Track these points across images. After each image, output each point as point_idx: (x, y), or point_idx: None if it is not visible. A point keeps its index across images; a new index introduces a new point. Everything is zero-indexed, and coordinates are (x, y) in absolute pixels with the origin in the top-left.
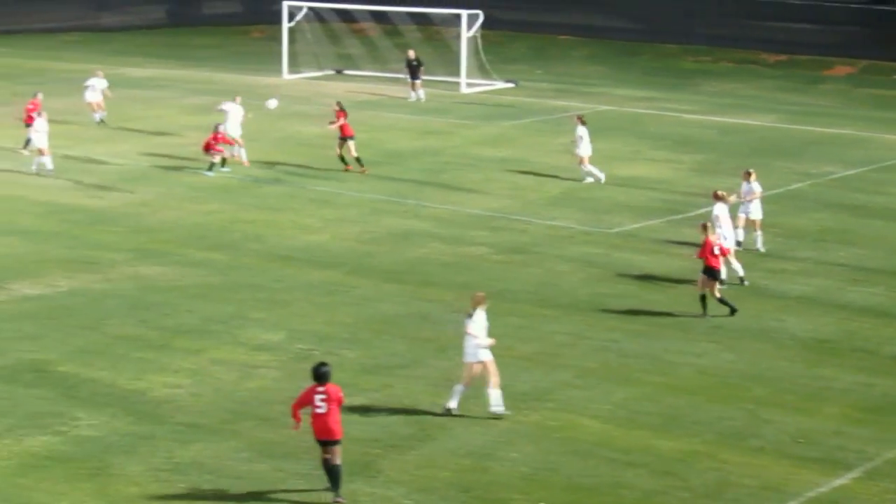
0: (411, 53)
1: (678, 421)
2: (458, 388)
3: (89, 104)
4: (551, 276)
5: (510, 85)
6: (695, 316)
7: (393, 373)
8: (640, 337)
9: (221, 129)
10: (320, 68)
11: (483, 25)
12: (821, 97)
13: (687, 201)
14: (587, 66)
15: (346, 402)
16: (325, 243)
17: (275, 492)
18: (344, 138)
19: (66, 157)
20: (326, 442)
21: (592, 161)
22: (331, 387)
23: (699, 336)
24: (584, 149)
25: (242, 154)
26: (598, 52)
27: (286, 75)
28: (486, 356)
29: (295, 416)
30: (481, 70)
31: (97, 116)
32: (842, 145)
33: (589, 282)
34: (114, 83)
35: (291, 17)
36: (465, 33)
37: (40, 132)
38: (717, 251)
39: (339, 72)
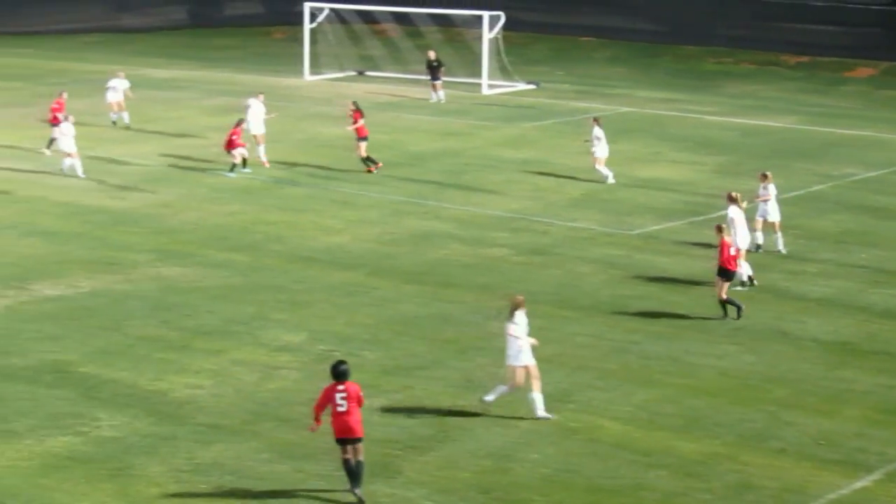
0: (431, 54)
1: (699, 422)
2: (502, 388)
3: (109, 105)
4: (572, 277)
5: (532, 86)
6: (716, 318)
7: (413, 374)
8: (661, 338)
9: (244, 125)
10: (342, 69)
11: (505, 27)
12: (842, 99)
13: (708, 203)
14: (609, 68)
15: (367, 403)
16: (346, 244)
17: (295, 493)
18: (358, 139)
19: (88, 157)
20: (347, 440)
21: (609, 162)
22: (350, 385)
23: (720, 338)
24: (601, 150)
25: (261, 153)
26: (619, 53)
27: (308, 76)
28: (529, 360)
29: (317, 418)
30: (503, 71)
31: (114, 116)
32: (863, 147)
33: (610, 283)
34: (135, 84)
35: (313, 18)
36: (487, 34)
37: (67, 136)
38: (732, 252)
39: (360, 73)
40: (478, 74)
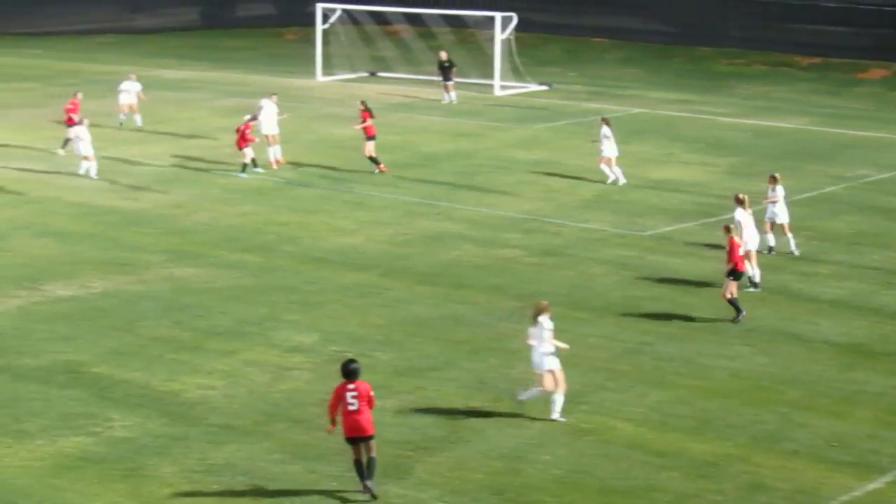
0: (443, 55)
1: (711, 424)
2: (536, 389)
3: (121, 106)
4: (584, 278)
5: (544, 87)
6: (728, 319)
7: (425, 375)
8: (674, 340)
9: (253, 122)
10: (354, 70)
11: (517, 28)
12: (855, 100)
13: (721, 204)
14: (621, 69)
15: (379, 403)
16: (359, 245)
17: (308, 493)
18: (366, 138)
19: (100, 158)
20: (358, 439)
21: (621, 164)
22: (360, 383)
23: (733, 339)
24: (610, 149)
25: (278, 151)
26: (631, 54)
27: (320, 77)
28: (555, 364)
29: (332, 420)
30: (515, 72)
31: (123, 118)
32: (876, 148)
33: (622, 284)
34: (147, 85)
35: (325, 19)
36: (499, 35)
37: (84, 139)
38: (741, 252)
39: (372, 74)
40: (490, 75)
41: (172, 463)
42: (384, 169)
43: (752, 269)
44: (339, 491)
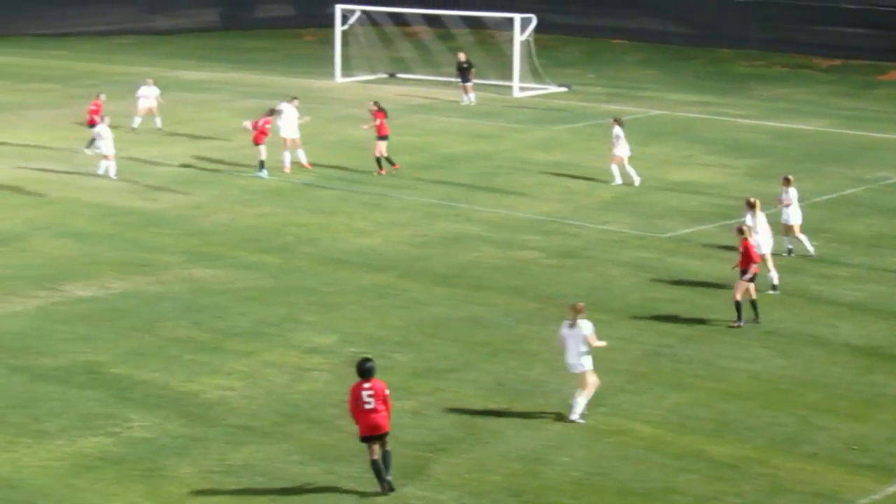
0: (462, 56)
1: (730, 426)
2: (581, 398)
3: (139, 111)
4: (603, 280)
5: (563, 89)
6: (748, 321)
7: (444, 376)
8: (693, 342)
9: (271, 119)
10: (373, 72)
11: (536, 29)
12: (875, 102)
13: (740, 206)
14: (640, 71)
15: (397, 405)
16: (377, 247)
17: (326, 495)
18: (379, 137)
19: (120, 159)
20: (374, 438)
21: (641, 165)
22: (376, 382)
23: (752, 341)
24: (621, 149)
25: (301, 156)
26: (651, 56)
27: (339, 79)
28: (588, 366)
29: (357, 422)
30: (534, 74)
31: (137, 122)
32: None
33: (641, 286)
34: (166, 86)
35: (344, 20)
36: (518, 37)
37: (106, 139)
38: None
39: (391, 75)
40: (509, 77)
41: (191, 463)
42: (398, 166)
43: (769, 272)
44: (358, 492)
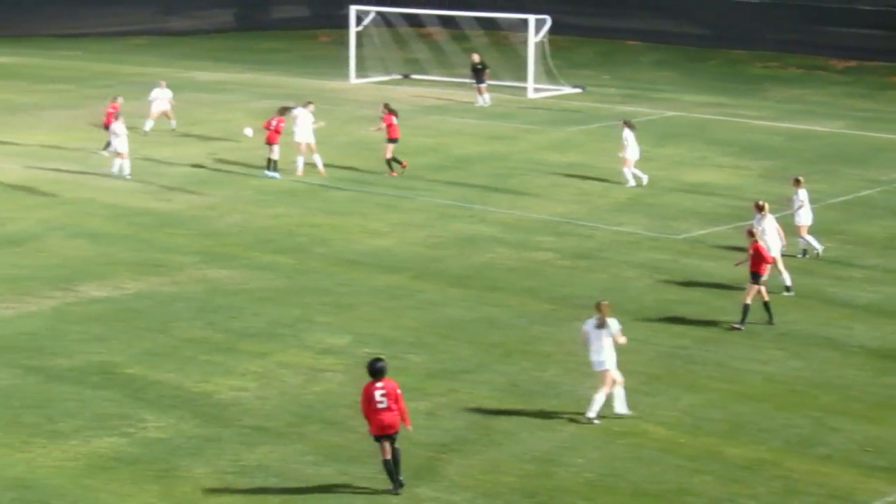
0: (476, 57)
1: (745, 428)
2: (600, 395)
3: (152, 114)
4: (617, 281)
5: (578, 90)
6: (761, 323)
7: (458, 377)
8: (707, 343)
9: (285, 117)
10: (387, 73)
11: (551, 30)
12: (890, 103)
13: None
14: (655, 72)
15: (411, 406)
16: (392, 248)
17: (340, 495)
18: (388, 140)
19: (134, 159)
20: (386, 437)
21: (655, 166)
22: (388, 381)
23: (766, 343)
24: (631, 152)
25: (317, 161)
26: (666, 57)
27: (353, 80)
28: (611, 365)
29: (369, 420)
30: (549, 75)
31: (149, 125)
32: None
33: (655, 288)
34: (181, 87)
35: (359, 21)
36: (533, 38)
37: (120, 136)
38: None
39: (405, 76)
40: (523, 78)
41: (205, 464)
42: (406, 165)
43: (780, 274)
44: (371, 492)
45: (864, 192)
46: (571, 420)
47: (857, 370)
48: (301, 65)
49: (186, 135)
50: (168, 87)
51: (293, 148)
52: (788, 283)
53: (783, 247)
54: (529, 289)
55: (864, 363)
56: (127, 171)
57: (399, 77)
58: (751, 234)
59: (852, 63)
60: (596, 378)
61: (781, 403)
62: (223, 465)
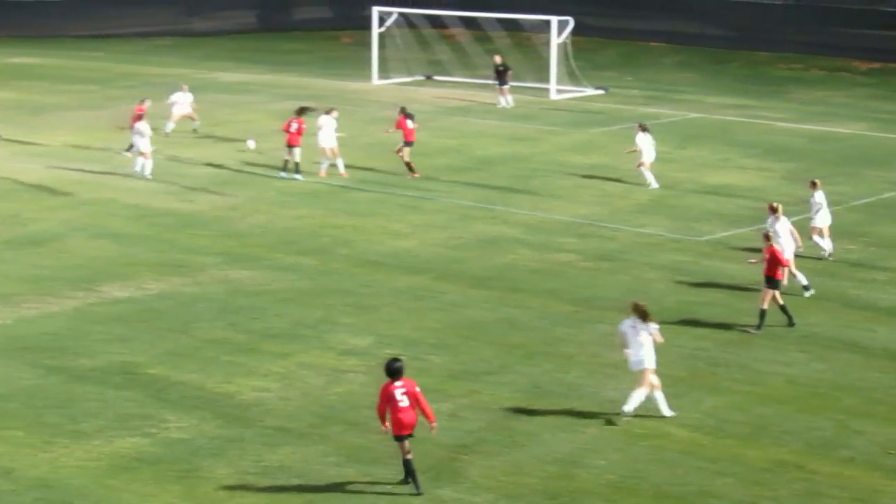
0: (497, 59)
1: (767, 430)
2: (639, 394)
3: (173, 117)
4: (639, 283)
5: (600, 91)
6: (783, 326)
7: (480, 379)
8: (729, 345)
9: (304, 122)
10: (410, 74)
11: (573, 32)
12: None
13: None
14: (678, 74)
15: (433, 407)
16: (414, 249)
17: (363, 496)
18: (404, 143)
19: (156, 160)
20: (406, 437)
21: (678, 168)
22: (407, 381)
23: (789, 345)
24: (647, 154)
25: (339, 164)
26: (688, 59)
27: (376, 81)
28: (650, 364)
29: (384, 419)
30: (571, 76)
31: (169, 127)
32: None
33: (677, 290)
34: (203, 87)
35: (381, 22)
36: (556, 39)
37: (144, 136)
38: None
39: (428, 78)
40: (546, 79)
41: (227, 464)
42: (417, 175)
43: (795, 276)
44: (394, 494)
45: (887, 195)
46: (594, 422)
47: (880, 372)
48: (323, 66)
49: (209, 136)
50: (190, 89)
51: (315, 151)
52: (805, 282)
53: (798, 248)
54: (551, 290)
55: (886, 366)
56: (148, 171)
57: (421, 78)
58: (767, 237)
59: (876, 65)
60: (634, 377)
61: (804, 406)
62: (245, 466)
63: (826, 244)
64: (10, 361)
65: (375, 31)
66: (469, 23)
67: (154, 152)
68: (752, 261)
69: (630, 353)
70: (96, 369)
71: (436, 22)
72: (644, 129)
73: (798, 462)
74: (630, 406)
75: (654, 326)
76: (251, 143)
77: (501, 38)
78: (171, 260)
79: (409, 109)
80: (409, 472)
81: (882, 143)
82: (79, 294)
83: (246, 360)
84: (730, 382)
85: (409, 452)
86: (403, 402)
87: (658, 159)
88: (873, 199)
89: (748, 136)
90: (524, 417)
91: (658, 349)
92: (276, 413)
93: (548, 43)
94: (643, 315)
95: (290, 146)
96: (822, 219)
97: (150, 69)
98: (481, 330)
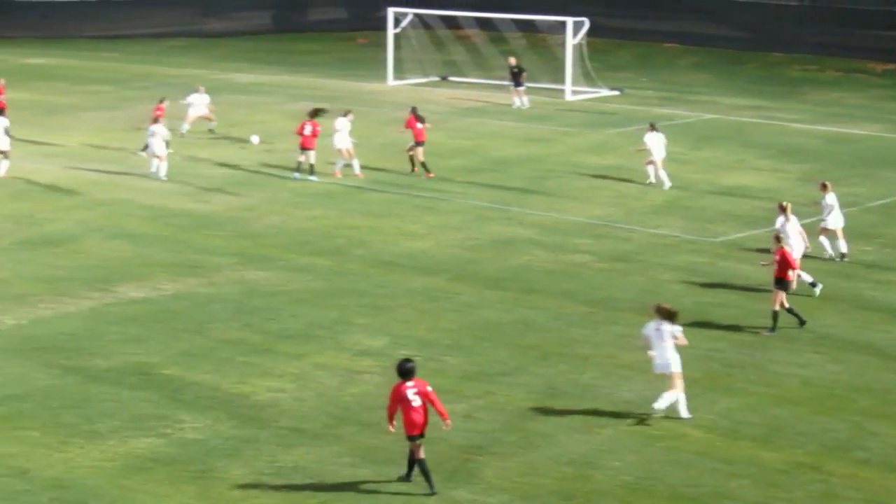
0: (512, 60)
1: (782, 432)
2: (672, 394)
3: (188, 118)
4: (654, 284)
5: (616, 92)
6: (797, 327)
7: (495, 380)
8: (745, 347)
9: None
10: (425, 75)
11: (588, 33)
12: None
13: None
14: (692, 74)
15: (448, 408)
16: (429, 250)
17: (377, 497)
18: (415, 143)
19: (172, 161)
20: (417, 437)
21: (692, 169)
22: (418, 381)
23: (804, 347)
24: (657, 154)
25: (355, 165)
26: (703, 60)
27: (391, 82)
28: (676, 368)
29: (391, 420)
30: (586, 77)
31: (185, 128)
32: None
33: (692, 291)
34: (219, 89)
35: (397, 23)
36: (571, 40)
37: (158, 137)
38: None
39: (443, 78)
40: (561, 80)
41: (242, 465)
42: (416, 170)
43: (802, 275)
44: (408, 494)
45: None
46: (609, 423)
47: None
48: (338, 67)
49: (224, 136)
50: (206, 90)
51: (330, 152)
52: (810, 279)
53: (806, 248)
54: (566, 291)
55: None
56: (163, 173)
57: (437, 79)
58: (777, 239)
59: (891, 66)
60: (649, 378)
61: (819, 407)
62: (260, 467)
63: (841, 245)
64: (25, 362)
65: (391, 31)
66: (484, 24)
67: (170, 155)
68: (764, 263)
69: (655, 355)
70: (112, 370)
71: (451, 23)
72: (653, 127)
73: (813, 463)
74: (662, 405)
75: (678, 329)
76: (254, 139)
77: (517, 38)
78: (186, 260)
79: (421, 110)
80: (423, 472)
81: None
82: (94, 294)
83: (261, 361)
84: (745, 384)
85: (421, 452)
86: (415, 402)
87: (673, 160)
88: (889, 200)
89: (763, 138)
90: (539, 418)
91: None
92: (291, 414)
93: (563, 44)
94: (670, 317)
95: (305, 149)
96: (835, 220)
97: (165, 70)
98: (496, 331)
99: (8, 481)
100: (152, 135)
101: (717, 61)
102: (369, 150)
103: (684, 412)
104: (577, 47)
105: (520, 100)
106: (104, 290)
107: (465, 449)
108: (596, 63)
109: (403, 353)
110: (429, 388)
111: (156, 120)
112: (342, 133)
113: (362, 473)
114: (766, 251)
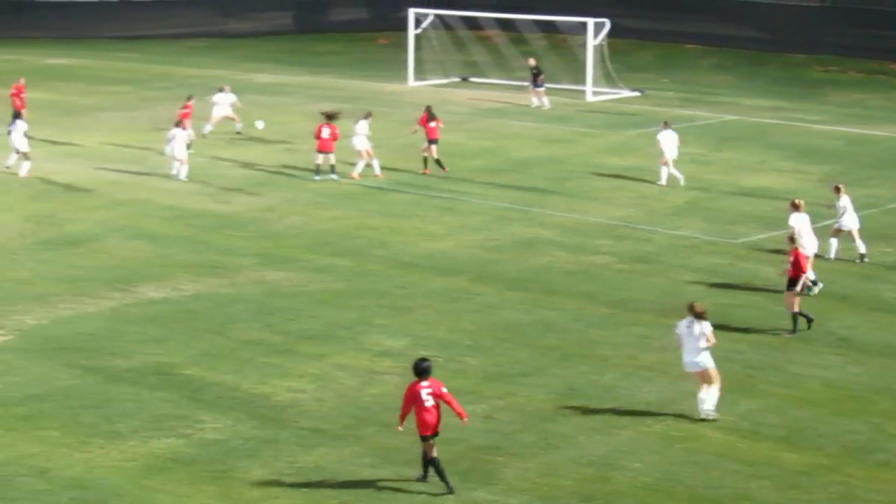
0: (531, 62)
1: (803, 433)
2: (714, 392)
3: (213, 119)
4: (675, 285)
5: (636, 94)
6: (817, 329)
7: (515, 381)
8: (765, 348)
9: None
10: (446, 76)
11: (609, 34)
12: None
13: (813, 212)
14: (713, 76)
15: (468, 409)
16: (449, 250)
17: (397, 496)
18: (428, 141)
19: (192, 161)
20: (430, 436)
21: (713, 171)
22: (433, 381)
23: (825, 348)
24: (669, 152)
25: (375, 166)
26: (724, 61)
27: (412, 82)
28: (709, 364)
29: (402, 419)
30: (607, 78)
31: (207, 129)
32: None
33: (713, 292)
34: (240, 89)
35: (418, 24)
36: (592, 41)
37: (180, 140)
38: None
39: (464, 79)
40: (582, 81)
41: (262, 465)
42: (428, 172)
43: (809, 273)
44: (428, 494)
45: None
46: (629, 424)
47: None
48: (359, 67)
49: (245, 137)
50: (231, 91)
51: (350, 153)
52: (813, 277)
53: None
54: (587, 292)
55: None
56: (184, 175)
57: (457, 80)
58: (791, 240)
59: None
60: (670, 379)
61: (840, 409)
62: (280, 467)
63: (860, 246)
64: (46, 361)
65: (411, 32)
66: (505, 24)
67: (191, 155)
68: (782, 273)
69: (686, 354)
70: (132, 370)
71: (472, 23)
72: (667, 125)
73: (834, 465)
74: (710, 405)
75: (707, 327)
76: (259, 125)
77: (537, 39)
78: (207, 261)
79: (442, 111)
80: (438, 471)
81: None
82: (115, 294)
83: (281, 362)
84: (765, 385)
85: (434, 452)
86: (428, 402)
87: (694, 161)
88: None
89: (784, 139)
90: (559, 419)
91: None
92: (311, 414)
93: (584, 45)
94: (698, 315)
95: (323, 152)
96: (850, 221)
97: (185, 70)
98: (516, 332)
99: (28, 481)
100: (172, 138)
101: (738, 62)
102: (389, 151)
103: (705, 411)
104: (598, 48)
105: (539, 100)
106: (125, 291)
107: (484, 449)
108: (617, 64)
109: (423, 353)
110: (444, 389)
111: (178, 123)
112: (362, 135)
113: (382, 474)
114: (782, 252)
